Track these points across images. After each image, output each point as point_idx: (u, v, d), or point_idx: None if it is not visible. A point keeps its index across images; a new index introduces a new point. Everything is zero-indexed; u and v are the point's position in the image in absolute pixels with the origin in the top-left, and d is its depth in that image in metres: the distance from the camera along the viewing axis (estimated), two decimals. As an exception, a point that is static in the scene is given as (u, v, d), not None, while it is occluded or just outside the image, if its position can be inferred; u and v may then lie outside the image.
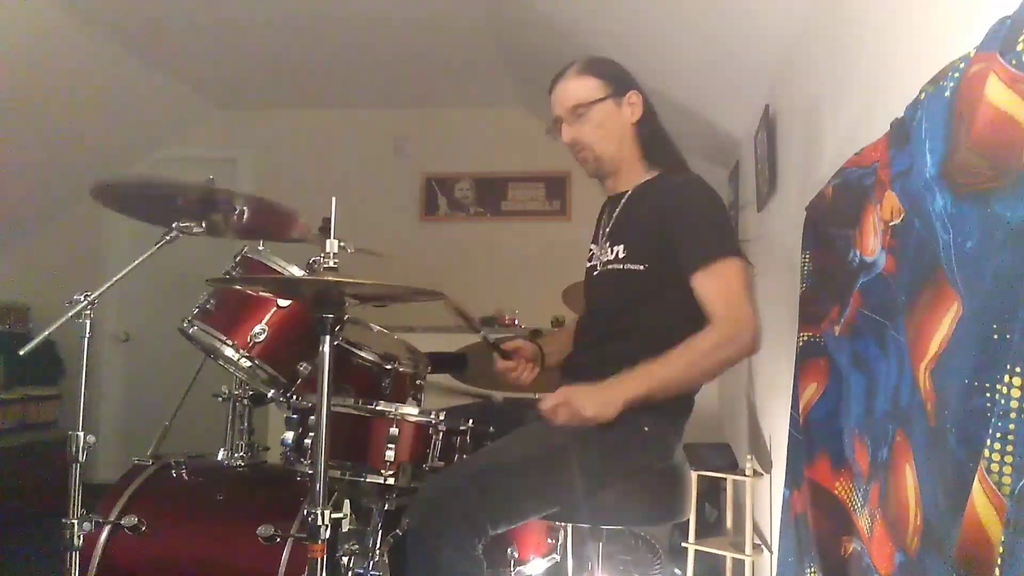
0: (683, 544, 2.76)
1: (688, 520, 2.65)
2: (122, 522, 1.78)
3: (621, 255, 1.65)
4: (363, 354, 1.86)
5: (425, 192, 4.87)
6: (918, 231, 1.12)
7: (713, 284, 1.51)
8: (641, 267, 1.61)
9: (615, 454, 1.53)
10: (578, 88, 1.67)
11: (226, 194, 1.71)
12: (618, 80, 1.69)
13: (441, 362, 2.20)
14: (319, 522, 1.31)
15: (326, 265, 1.42)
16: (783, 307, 2.12)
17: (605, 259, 1.69)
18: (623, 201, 1.71)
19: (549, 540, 2.08)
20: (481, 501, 1.40)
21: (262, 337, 1.76)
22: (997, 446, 0.79)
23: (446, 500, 1.40)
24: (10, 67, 3.47)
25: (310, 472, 1.49)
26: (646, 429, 1.54)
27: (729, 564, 2.70)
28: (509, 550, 1.94)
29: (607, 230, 1.72)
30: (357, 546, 1.72)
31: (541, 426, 1.54)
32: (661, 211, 1.60)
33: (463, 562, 1.35)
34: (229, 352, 1.77)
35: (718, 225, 1.60)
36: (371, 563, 1.72)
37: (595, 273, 1.74)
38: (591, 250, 1.80)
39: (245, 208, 1.77)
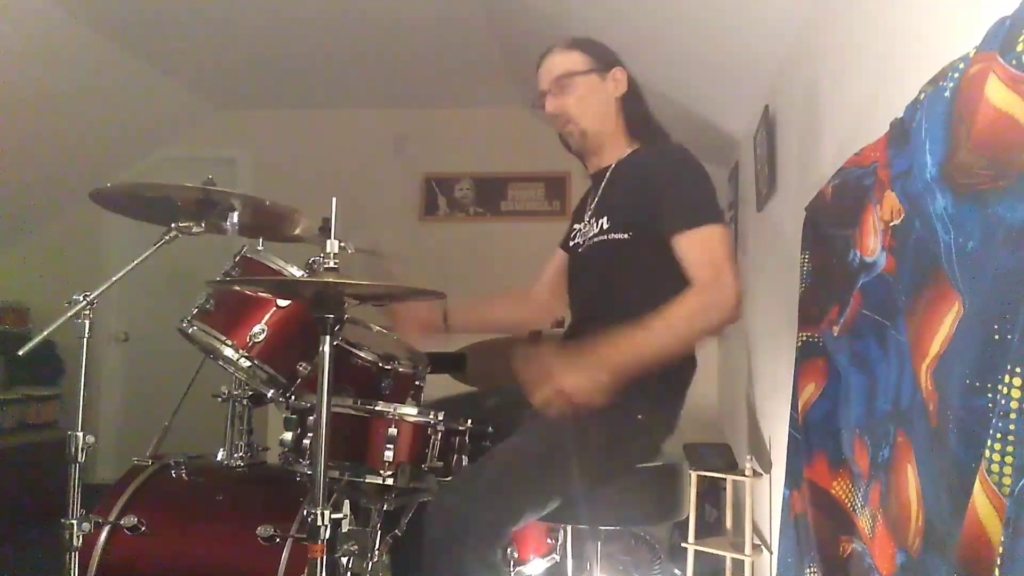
0: (683, 544, 2.76)
1: (688, 520, 2.65)
2: (121, 522, 1.77)
3: (605, 226, 1.65)
4: (362, 354, 1.86)
5: (425, 192, 4.86)
6: (918, 231, 1.12)
7: (697, 247, 1.50)
8: (625, 236, 1.61)
9: (612, 444, 1.53)
10: (563, 60, 1.70)
11: (225, 195, 1.71)
12: (603, 56, 1.71)
13: (441, 362, 2.20)
14: (318, 522, 1.31)
15: (326, 265, 1.42)
16: (783, 307, 2.12)
17: (589, 233, 1.69)
18: (607, 175, 1.71)
19: (549, 540, 2.07)
20: (502, 509, 1.39)
21: (261, 337, 1.76)
22: (998, 446, 0.79)
23: (468, 510, 1.38)
24: (9, 67, 3.47)
25: (309, 472, 1.48)
26: (639, 417, 1.54)
27: (729, 564, 2.70)
28: (509, 550, 1.94)
29: (592, 206, 1.72)
30: (356, 546, 1.72)
31: (541, 422, 1.54)
32: (645, 178, 1.60)
33: (485, 570, 1.35)
34: (228, 352, 1.76)
35: (703, 191, 1.58)
36: (370, 563, 1.72)
37: (579, 250, 1.74)
38: (575, 228, 1.80)
39: (244, 208, 1.76)
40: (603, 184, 1.71)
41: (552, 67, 1.70)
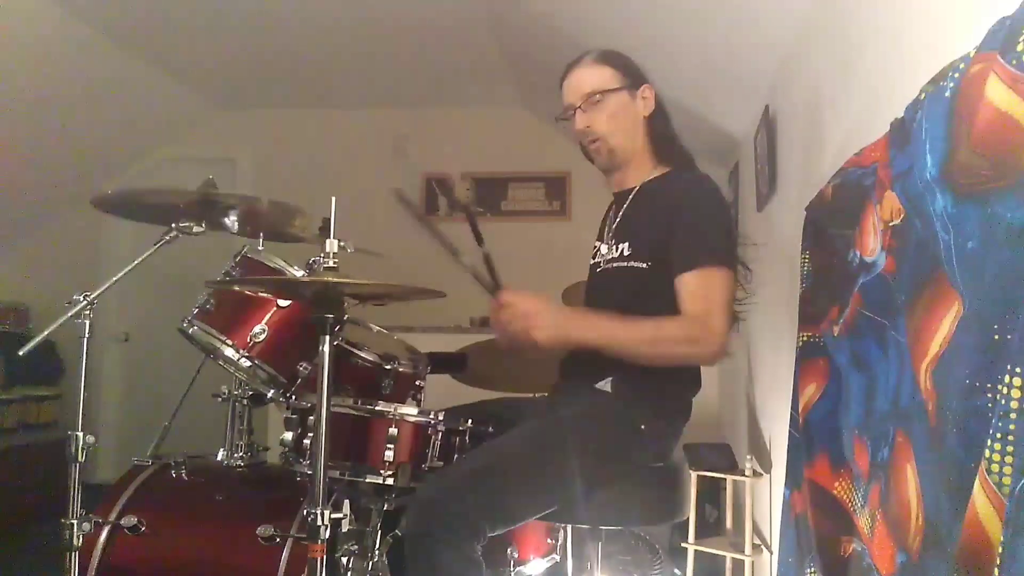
0: (683, 544, 2.76)
1: (688, 520, 2.65)
2: (121, 522, 1.77)
3: (626, 252, 1.64)
4: (363, 354, 1.86)
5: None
6: (918, 231, 1.12)
7: (696, 286, 1.51)
8: (644, 265, 1.60)
9: (611, 453, 1.53)
10: (594, 76, 1.67)
11: (225, 197, 1.71)
12: (633, 73, 1.69)
13: (441, 362, 2.20)
14: (319, 522, 1.31)
15: (326, 265, 1.42)
16: (783, 307, 2.12)
17: (609, 256, 1.68)
18: (630, 198, 1.70)
19: (549, 540, 2.08)
20: (478, 502, 1.40)
21: (262, 337, 1.76)
22: (997, 446, 0.79)
23: (443, 502, 1.39)
24: (9, 67, 3.47)
25: (309, 472, 1.49)
26: (643, 428, 1.54)
27: (729, 564, 2.70)
28: (509, 550, 1.94)
29: (613, 227, 1.72)
30: (356, 546, 1.72)
31: (535, 425, 1.54)
32: (667, 209, 1.59)
33: (462, 564, 1.35)
34: (229, 352, 1.77)
35: (717, 230, 1.58)
36: (370, 563, 1.72)
37: (598, 270, 1.73)
38: (595, 247, 1.80)
39: (244, 208, 1.76)
40: (625, 206, 1.70)
41: (582, 82, 1.67)
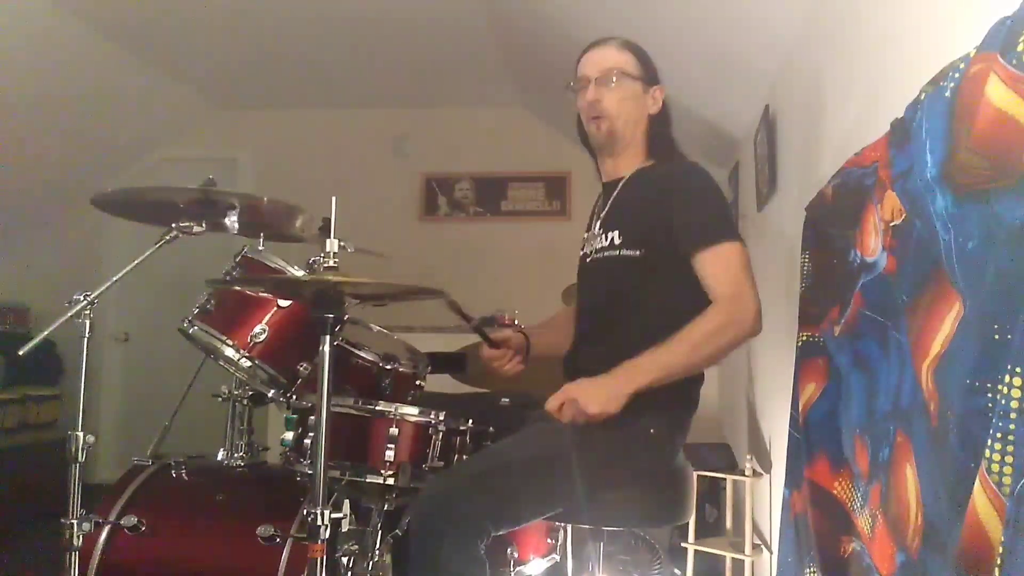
0: (683, 544, 2.76)
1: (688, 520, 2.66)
2: (121, 522, 1.77)
3: (616, 241, 1.64)
4: (363, 354, 1.86)
5: (425, 192, 4.87)
6: (919, 231, 1.12)
7: (716, 265, 1.52)
8: (637, 252, 1.60)
9: (620, 457, 1.53)
10: (618, 57, 1.69)
11: (225, 195, 1.71)
12: (651, 70, 1.72)
13: (441, 362, 2.20)
14: (319, 522, 1.31)
15: (326, 265, 1.42)
16: (783, 307, 2.12)
17: (599, 246, 1.68)
18: (620, 186, 1.70)
19: (549, 540, 2.07)
20: (483, 502, 1.40)
21: (262, 337, 1.76)
22: (998, 446, 0.79)
23: (448, 501, 1.40)
24: (9, 67, 3.47)
25: (310, 472, 1.49)
26: (652, 431, 1.54)
27: (729, 564, 2.70)
28: (509, 550, 1.94)
29: (602, 216, 1.72)
30: (357, 546, 1.72)
31: (545, 427, 1.54)
32: (659, 195, 1.60)
33: (465, 563, 1.35)
34: (229, 352, 1.77)
35: (719, 208, 1.60)
36: (371, 563, 1.72)
37: (588, 261, 1.73)
38: (584, 238, 1.80)
39: (244, 208, 1.76)
40: (614, 194, 1.70)
41: (604, 58, 1.69)
